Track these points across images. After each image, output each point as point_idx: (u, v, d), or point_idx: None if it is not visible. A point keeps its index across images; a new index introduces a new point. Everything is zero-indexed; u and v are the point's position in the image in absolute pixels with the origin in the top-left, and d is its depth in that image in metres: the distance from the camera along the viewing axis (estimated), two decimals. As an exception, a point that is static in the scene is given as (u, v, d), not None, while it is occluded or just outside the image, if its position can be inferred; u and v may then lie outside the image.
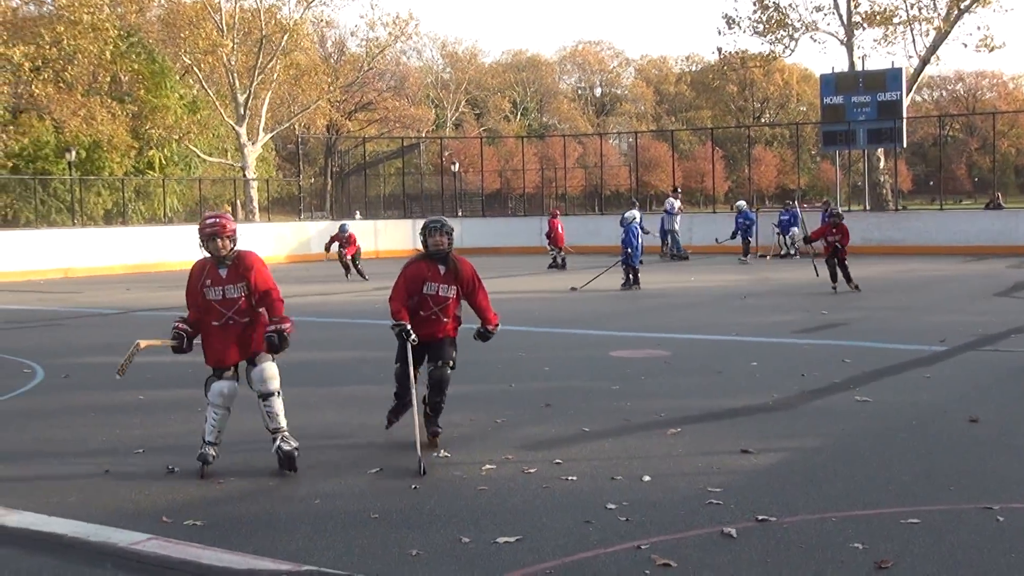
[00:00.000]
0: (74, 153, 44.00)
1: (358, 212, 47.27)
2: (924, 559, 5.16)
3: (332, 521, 6.09)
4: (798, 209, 33.56)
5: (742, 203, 33.81)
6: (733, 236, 31.70)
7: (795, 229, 32.66)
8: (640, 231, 22.72)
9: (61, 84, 41.16)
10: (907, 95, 41.45)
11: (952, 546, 5.35)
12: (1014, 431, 8.06)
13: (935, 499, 6.18)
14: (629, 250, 22.05)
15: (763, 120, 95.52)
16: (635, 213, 23.16)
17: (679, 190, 37.01)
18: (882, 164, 44.87)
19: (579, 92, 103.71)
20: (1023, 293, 19.04)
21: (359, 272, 27.16)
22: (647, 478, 6.83)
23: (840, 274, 19.80)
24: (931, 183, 71.48)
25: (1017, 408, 8.93)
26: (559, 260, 29.47)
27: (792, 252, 32.36)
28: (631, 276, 22.12)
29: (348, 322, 17.28)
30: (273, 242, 37.80)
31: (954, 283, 22.10)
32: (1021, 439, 7.78)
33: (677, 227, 33.59)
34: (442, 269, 8.24)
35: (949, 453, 7.37)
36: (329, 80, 56.71)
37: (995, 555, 5.21)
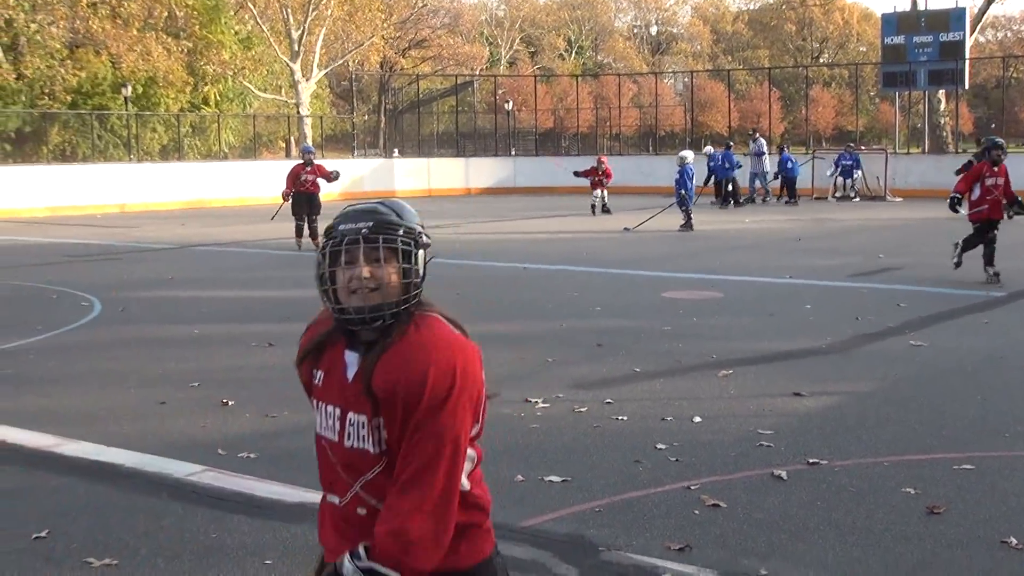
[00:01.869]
0: (130, 89, 44.18)
1: (396, 150, 47.16)
2: (977, 505, 5.12)
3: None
4: (857, 154, 33.09)
5: (709, 148, 32.37)
6: (706, 182, 30.39)
7: (858, 173, 32.22)
8: (693, 173, 22.51)
9: (118, 20, 41.23)
10: (970, 35, 40.56)
11: (1006, 493, 5.31)
12: (1072, 378, 7.95)
13: (989, 445, 6.13)
14: (683, 191, 21.89)
15: (821, 60, 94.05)
16: (688, 154, 22.94)
17: (757, 131, 36.09)
18: (943, 106, 44.08)
19: (635, 31, 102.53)
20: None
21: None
22: (698, 419, 6.82)
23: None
24: (993, 126, 70.16)
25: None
26: (602, 204, 28.13)
27: (853, 195, 31.93)
28: (685, 217, 21.99)
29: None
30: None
31: (1016, 228, 21.74)
32: (1079, 386, 7.69)
33: (767, 168, 32.60)
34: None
35: (1004, 399, 7.30)
36: (383, 17, 56.40)
37: (1049, 502, 5.16)
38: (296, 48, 48.32)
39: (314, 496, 5.39)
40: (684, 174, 22.03)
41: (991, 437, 6.32)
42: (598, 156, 30.09)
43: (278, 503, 5.34)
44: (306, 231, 18.84)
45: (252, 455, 6.17)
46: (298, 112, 48.98)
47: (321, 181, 19.17)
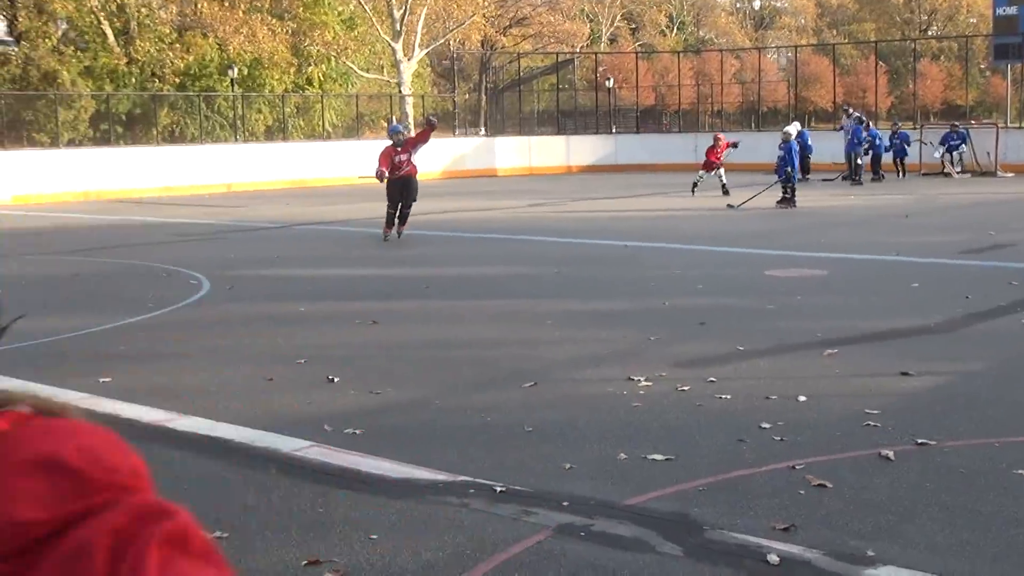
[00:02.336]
0: (236, 70, 44.91)
1: (483, 128, 47.07)
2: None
3: (487, 433, 6.18)
4: (964, 129, 32.29)
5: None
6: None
7: (964, 147, 31.47)
8: (798, 149, 22.21)
9: (224, 2, 41.88)
10: (1087, 5, 39.28)
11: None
12: None
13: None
14: (789, 168, 21.61)
15: (930, 33, 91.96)
16: (792, 130, 22.65)
17: (850, 106, 35.05)
18: (1057, 78, 42.82)
19: (737, 5, 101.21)
20: None
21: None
22: (802, 398, 6.74)
23: None
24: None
25: None
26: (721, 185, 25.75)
27: (959, 171, 31.20)
28: (789, 193, 21.69)
29: (504, 238, 17.39)
30: (428, 158, 38.12)
31: None
32: None
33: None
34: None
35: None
36: (484, -5, 56.38)
37: None
38: (398, 28, 48.61)
39: (420, 472, 5.47)
40: (789, 150, 21.74)
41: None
42: (715, 135, 28.04)
43: (383, 479, 5.41)
44: (396, 221, 17.17)
45: (357, 431, 6.25)
46: (400, 92, 49.32)
47: (419, 153, 17.94)
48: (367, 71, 55.07)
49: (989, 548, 4.36)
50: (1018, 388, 6.92)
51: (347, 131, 51.60)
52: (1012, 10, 37.53)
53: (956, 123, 35.04)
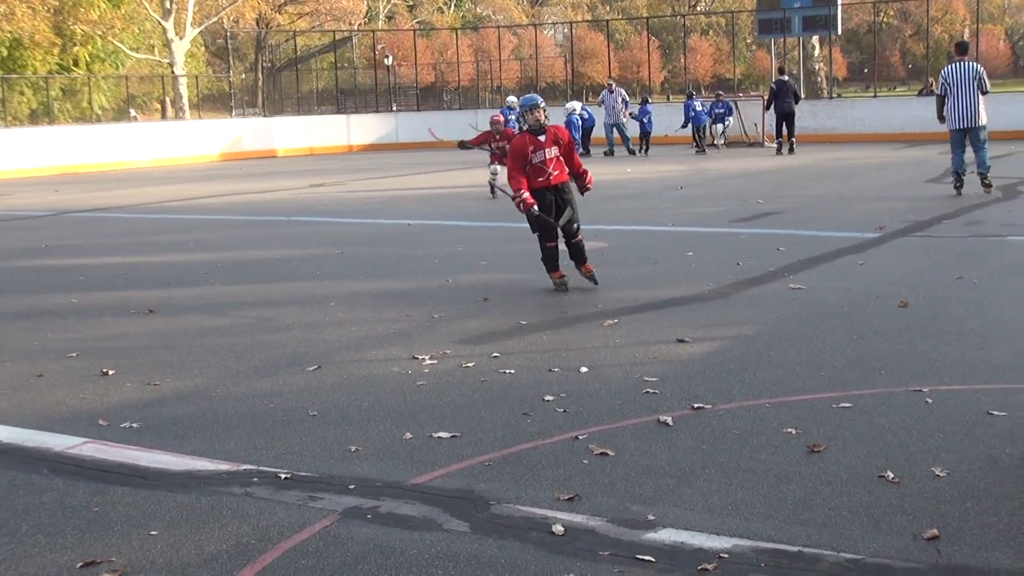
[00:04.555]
0: (-5, 51, 42.83)
1: (261, 108, 46.21)
2: (855, 442, 5.25)
3: (270, 420, 6.07)
4: (731, 101, 33.56)
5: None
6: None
7: (730, 119, 32.68)
8: (580, 123, 22.74)
9: (-22, -21, 39.79)
10: (842, -19, 41.23)
11: (882, 428, 5.45)
12: (944, 315, 8.18)
13: (866, 383, 6.28)
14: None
15: (698, 8, 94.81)
16: (575, 104, 23.16)
17: (613, 82, 35.87)
18: (817, 52, 44.88)
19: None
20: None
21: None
22: (584, 369, 6.87)
23: None
24: (865, 70, 71.61)
25: (947, 293, 9.07)
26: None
27: (722, 143, 32.39)
28: None
29: (285, 220, 17.11)
30: (204, 140, 37.21)
31: (888, 170, 22.30)
32: (950, 323, 7.91)
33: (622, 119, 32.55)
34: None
35: (880, 338, 7.48)
36: (257, -28, 55.33)
37: (924, 436, 5.31)
38: (168, 5, 47.16)
39: (201, 463, 5.33)
40: (570, 125, 22.19)
41: (868, 375, 6.48)
42: (493, 116, 19.74)
43: (163, 472, 5.25)
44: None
45: (135, 425, 6.05)
46: (172, 72, 47.90)
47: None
48: (137, 51, 53.28)
49: (763, 504, 4.52)
50: (787, 350, 7.22)
51: (118, 113, 49.86)
52: (774, -14, 39.02)
53: (721, 93, 36.33)
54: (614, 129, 31.10)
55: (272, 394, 6.63)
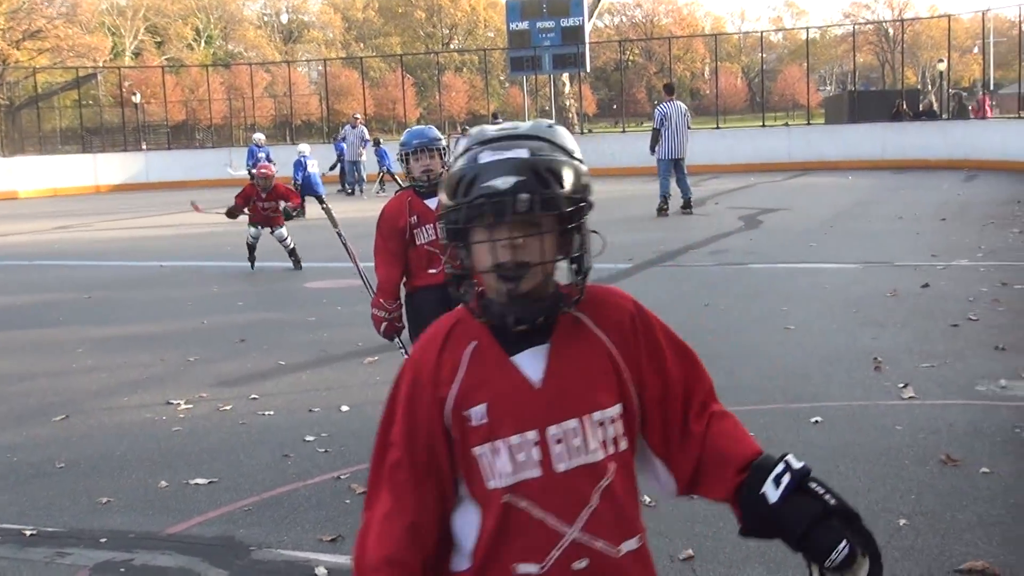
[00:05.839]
0: None
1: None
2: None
3: (13, 475, 5.77)
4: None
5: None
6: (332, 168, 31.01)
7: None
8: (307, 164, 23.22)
9: None
10: (589, 20, 42.65)
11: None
12: (692, 341, 8.34)
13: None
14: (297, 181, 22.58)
15: (452, 46, 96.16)
16: (305, 148, 24.02)
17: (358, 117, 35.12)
18: (567, 89, 46.13)
19: (265, 19, 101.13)
20: (700, 210, 20.05)
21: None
22: (345, 408, 6.82)
23: None
24: (614, 106, 74.03)
25: (695, 320, 9.41)
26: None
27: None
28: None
29: (28, 264, 16.33)
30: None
31: (637, 202, 23.03)
32: (700, 348, 8.05)
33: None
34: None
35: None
36: (-8, 7, 52.93)
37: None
38: None
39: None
40: (296, 166, 23.08)
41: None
42: (260, 167, 15.08)
43: None
44: None
45: None
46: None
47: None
48: None
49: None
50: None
51: None
52: (524, 25, 40.02)
53: (466, 127, 36.82)
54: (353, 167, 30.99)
55: (15, 447, 6.30)
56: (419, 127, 6.00)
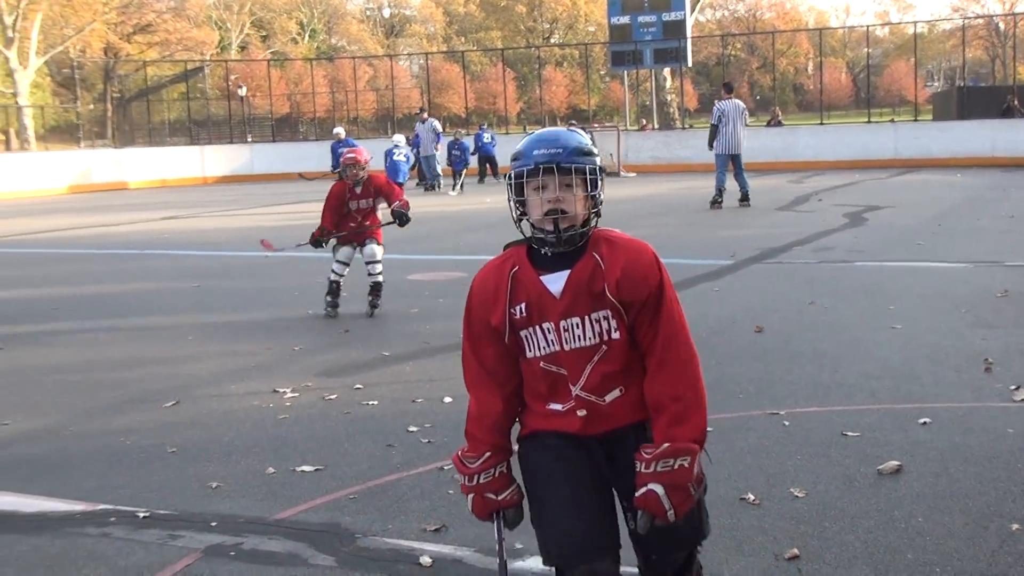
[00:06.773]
0: None
1: (111, 140, 45.16)
2: (716, 465, 5.31)
3: (127, 458, 5.91)
4: (590, 131, 34.04)
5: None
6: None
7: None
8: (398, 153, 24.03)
9: None
10: (691, 15, 42.30)
11: (742, 451, 5.55)
12: (797, 339, 8.40)
13: (725, 407, 6.39)
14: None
15: (552, 40, 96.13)
16: (399, 139, 24.69)
17: (424, 111, 34.70)
18: (668, 83, 45.81)
19: (367, 13, 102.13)
20: (803, 207, 19.82)
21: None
22: (448, 399, 6.85)
23: None
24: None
25: (799, 318, 9.31)
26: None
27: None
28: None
29: (138, 253, 16.73)
30: (51, 172, 36.15)
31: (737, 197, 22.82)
32: (803, 346, 8.12)
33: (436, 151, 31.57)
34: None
35: (738, 362, 7.64)
36: (104, 0, 54.23)
37: (782, 458, 5.44)
38: (10, 34, 45.88)
39: (54, 504, 5.15)
40: (386, 155, 23.97)
41: (727, 399, 6.59)
42: (345, 152, 10.55)
43: (13, 515, 5.07)
44: None
45: (-17, 466, 5.83)
46: (16, 103, 46.56)
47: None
48: (-22, 81, 51.68)
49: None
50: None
51: (-40, 145, 48.20)
52: (625, 19, 39.85)
53: (573, 122, 36.87)
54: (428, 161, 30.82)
55: (128, 431, 6.46)
56: (552, 129, 3.24)
